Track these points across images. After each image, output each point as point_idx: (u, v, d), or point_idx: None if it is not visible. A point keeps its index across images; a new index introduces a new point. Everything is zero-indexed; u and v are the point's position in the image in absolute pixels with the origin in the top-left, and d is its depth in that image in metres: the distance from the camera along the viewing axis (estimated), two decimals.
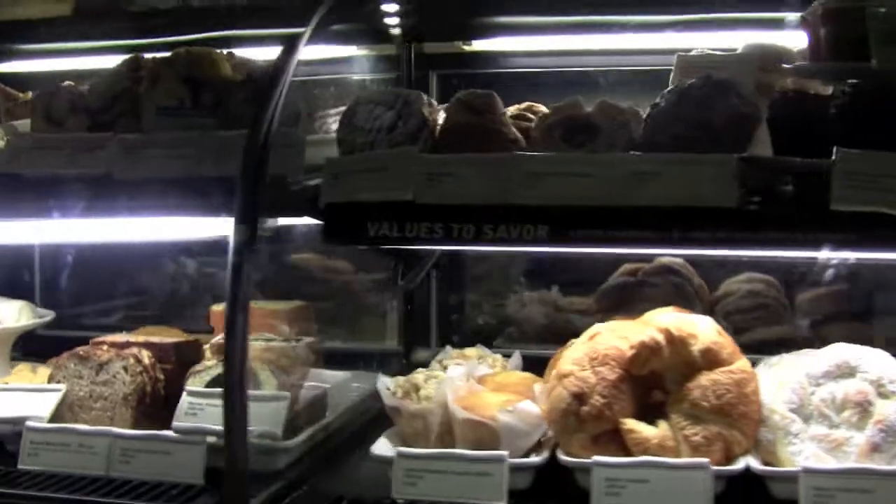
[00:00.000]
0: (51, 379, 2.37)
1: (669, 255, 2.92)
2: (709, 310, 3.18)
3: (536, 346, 2.94)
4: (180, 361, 2.41)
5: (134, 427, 2.25)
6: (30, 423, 2.22)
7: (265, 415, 2.11)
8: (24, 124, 2.55)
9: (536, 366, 2.43)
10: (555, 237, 1.99)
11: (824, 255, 1.89)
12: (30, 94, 2.75)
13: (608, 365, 2.05)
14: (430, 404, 2.13)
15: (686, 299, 3.22)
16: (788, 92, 2.11)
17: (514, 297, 3.38)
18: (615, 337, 2.10)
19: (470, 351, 2.46)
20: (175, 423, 2.12)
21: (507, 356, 2.51)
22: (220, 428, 2.05)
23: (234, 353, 1.85)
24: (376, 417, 2.63)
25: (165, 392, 2.35)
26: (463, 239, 2.03)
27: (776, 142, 1.98)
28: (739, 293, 3.26)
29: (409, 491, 1.99)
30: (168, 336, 2.60)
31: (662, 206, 1.90)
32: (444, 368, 2.34)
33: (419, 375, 2.21)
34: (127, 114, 2.37)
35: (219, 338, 2.52)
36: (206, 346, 2.51)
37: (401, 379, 2.26)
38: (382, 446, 2.13)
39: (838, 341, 2.14)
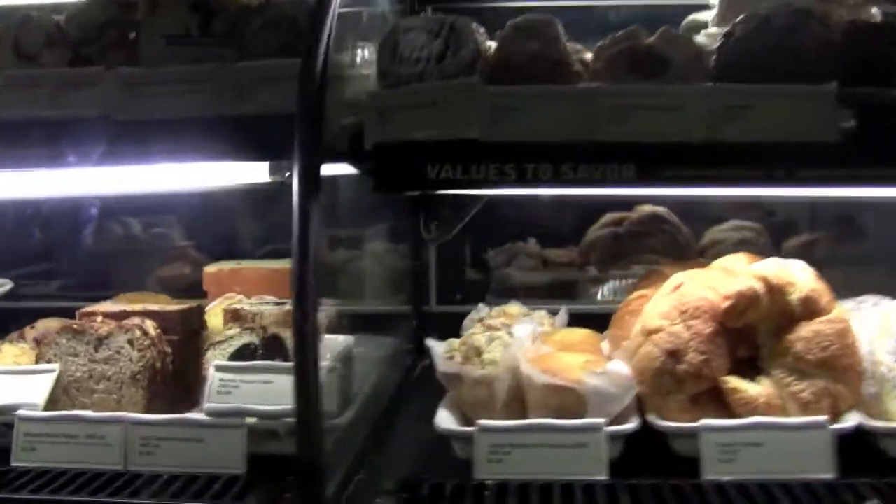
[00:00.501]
0: (39, 358, 2.02)
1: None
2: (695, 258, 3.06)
3: (528, 301, 2.71)
4: (186, 331, 2.09)
5: (147, 410, 1.93)
6: (23, 412, 1.88)
7: None
8: None
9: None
10: (643, 177, 1.79)
11: None
12: None
13: (700, 318, 1.85)
14: (496, 369, 1.88)
15: (682, 248, 3.09)
16: (858, 22, 1.96)
17: (496, 250, 3.17)
18: (702, 287, 1.90)
19: (512, 308, 2.22)
20: (208, 405, 1.81)
21: (552, 313, 2.28)
22: (262, 408, 1.80)
23: (305, 320, 1.56)
24: (401, 385, 2.39)
25: (174, 367, 2.03)
26: (539, 180, 1.80)
27: (850, 73, 1.82)
28: (729, 241, 3.14)
29: (495, 469, 1.75)
30: (154, 303, 2.27)
31: (757, 141, 1.74)
32: (489, 329, 2.09)
33: (479, 337, 1.96)
34: (117, 45, 2.03)
35: (233, 302, 2.23)
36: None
37: (455, 342, 2.01)
38: (446, 419, 1.88)
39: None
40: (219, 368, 1.85)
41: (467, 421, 1.90)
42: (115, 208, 3.13)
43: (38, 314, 2.57)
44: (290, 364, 1.87)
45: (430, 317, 2.68)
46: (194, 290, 2.76)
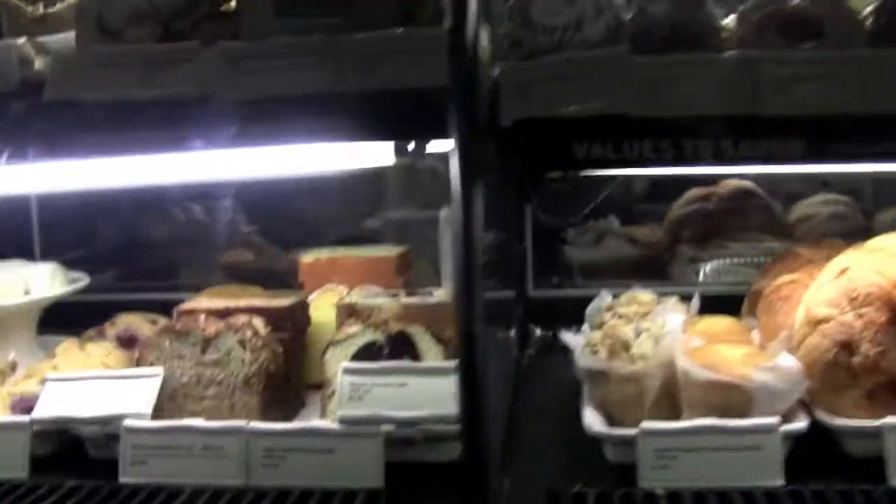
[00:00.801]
0: (140, 361, 1.85)
1: None
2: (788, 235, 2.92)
3: (616, 283, 2.54)
4: (295, 328, 1.93)
5: (263, 417, 1.77)
6: (130, 423, 1.71)
7: (439, 393, 1.66)
8: (56, 41, 1.98)
9: None
10: (811, 154, 1.63)
11: None
12: (41, 8, 2.19)
13: (873, 305, 1.69)
14: (647, 365, 1.72)
15: (779, 224, 2.94)
16: None
17: (578, 229, 3.00)
18: (871, 272, 1.73)
19: (643, 296, 2.05)
20: (342, 413, 1.64)
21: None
22: (401, 414, 1.64)
23: (472, 314, 1.40)
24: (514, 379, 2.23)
25: (284, 369, 1.86)
26: (698, 159, 1.63)
27: None
28: (821, 216, 2.99)
29: (661, 477, 1.59)
30: (248, 296, 2.10)
31: None
32: (619, 317, 1.93)
33: (625, 329, 1.80)
34: (211, 18, 1.85)
35: (339, 295, 2.06)
36: None
37: (596, 335, 1.85)
38: (594, 420, 1.73)
39: None
40: (349, 371, 1.68)
41: (611, 420, 1.75)
42: (175, 194, 2.95)
43: (106, 308, 2.41)
44: (434, 364, 1.72)
45: (528, 302, 2.51)
46: (258, 278, 2.60)
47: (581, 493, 1.57)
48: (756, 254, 2.57)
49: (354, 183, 2.75)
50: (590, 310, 2.11)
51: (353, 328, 1.81)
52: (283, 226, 2.97)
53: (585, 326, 2.10)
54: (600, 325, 1.96)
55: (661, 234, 3.01)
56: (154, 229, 2.99)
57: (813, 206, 3.03)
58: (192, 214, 3.01)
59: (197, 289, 2.28)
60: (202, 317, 1.86)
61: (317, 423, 1.69)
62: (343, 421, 1.65)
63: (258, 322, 1.84)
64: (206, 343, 1.81)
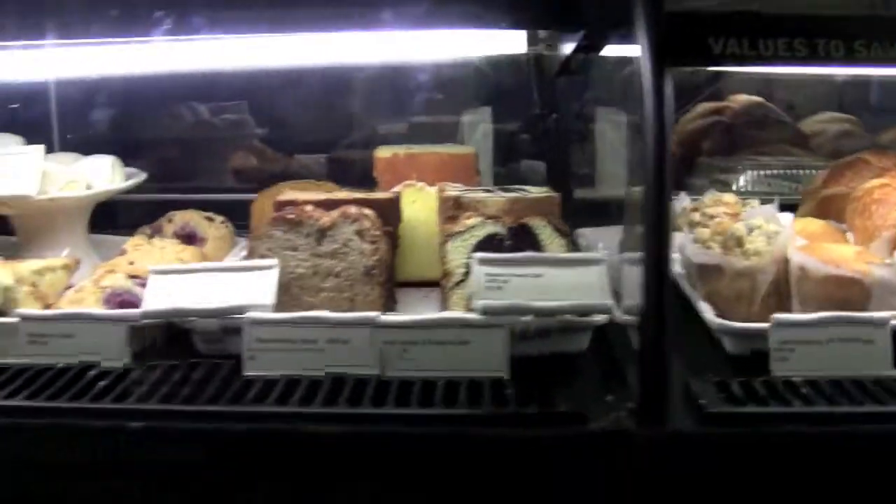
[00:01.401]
0: (252, 253, 1.79)
1: None
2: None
3: None
4: (394, 222, 1.90)
5: (382, 309, 1.74)
6: (253, 315, 1.66)
7: (585, 283, 1.67)
8: None
9: None
10: None
11: None
12: None
13: None
14: (761, 260, 1.77)
15: (797, 136, 3.00)
16: None
17: None
18: None
19: (728, 197, 2.09)
20: (481, 303, 1.63)
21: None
22: (540, 304, 1.64)
23: (662, 208, 1.41)
24: None
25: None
26: (830, 58, 1.67)
27: None
28: (830, 133, 3.07)
29: (785, 367, 1.65)
30: (317, 191, 2.06)
31: None
32: (711, 217, 1.98)
33: (738, 226, 1.84)
34: None
35: (419, 191, 2.04)
36: None
37: (704, 232, 1.88)
38: (710, 313, 1.77)
39: None
40: (484, 262, 1.67)
41: (719, 315, 1.80)
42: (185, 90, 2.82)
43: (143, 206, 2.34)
44: (582, 255, 1.73)
45: None
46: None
47: (723, 382, 1.62)
48: (785, 165, 2.63)
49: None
50: (684, 213, 2.13)
51: (471, 220, 1.80)
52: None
53: None
54: (690, 225, 2.00)
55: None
56: (167, 127, 2.87)
57: (821, 122, 3.11)
58: (199, 114, 2.91)
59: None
60: (309, 207, 1.81)
61: (455, 314, 1.68)
62: (485, 311, 1.64)
63: (369, 213, 1.81)
64: (321, 234, 1.77)
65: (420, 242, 2.05)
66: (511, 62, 2.47)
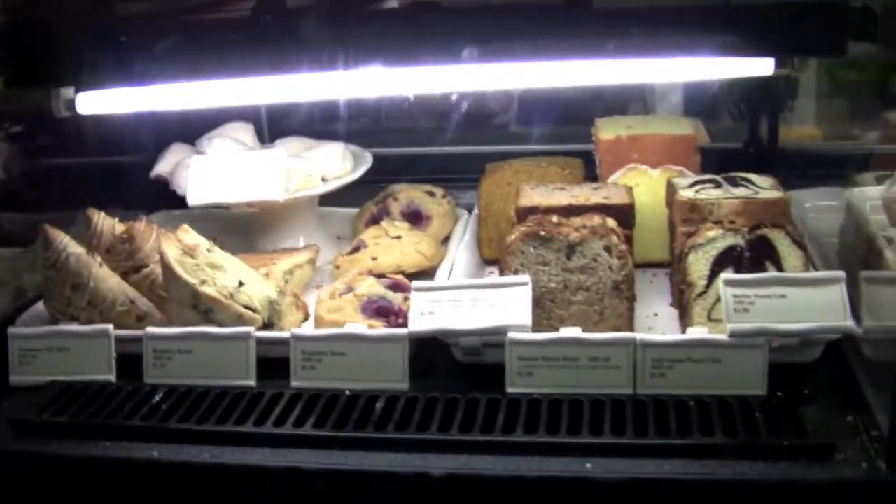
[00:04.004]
0: (505, 268, 1.91)
1: None
2: None
3: None
4: (629, 225, 2.00)
5: (628, 323, 1.87)
6: (514, 335, 1.79)
7: (827, 304, 1.76)
8: None
9: None
10: None
11: None
12: None
13: None
14: None
15: None
16: None
17: None
18: None
19: None
20: (730, 326, 1.74)
21: None
22: (787, 327, 1.74)
23: None
24: None
25: None
26: None
27: None
28: None
29: None
30: (542, 173, 2.15)
31: None
32: None
33: None
34: None
35: (642, 174, 2.11)
36: None
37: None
38: None
39: None
40: (730, 283, 1.76)
41: None
42: None
43: None
44: (820, 275, 1.79)
45: None
46: None
47: None
48: None
49: None
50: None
51: (712, 232, 1.87)
52: None
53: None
54: None
55: None
56: None
57: None
58: None
59: None
60: (554, 220, 1.91)
61: (711, 335, 1.78)
62: (733, 334, 1.75)
63: (612, 223, 1.90)
64: (571, 249, 1.88)
65: (645, 225, 2.13)
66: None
